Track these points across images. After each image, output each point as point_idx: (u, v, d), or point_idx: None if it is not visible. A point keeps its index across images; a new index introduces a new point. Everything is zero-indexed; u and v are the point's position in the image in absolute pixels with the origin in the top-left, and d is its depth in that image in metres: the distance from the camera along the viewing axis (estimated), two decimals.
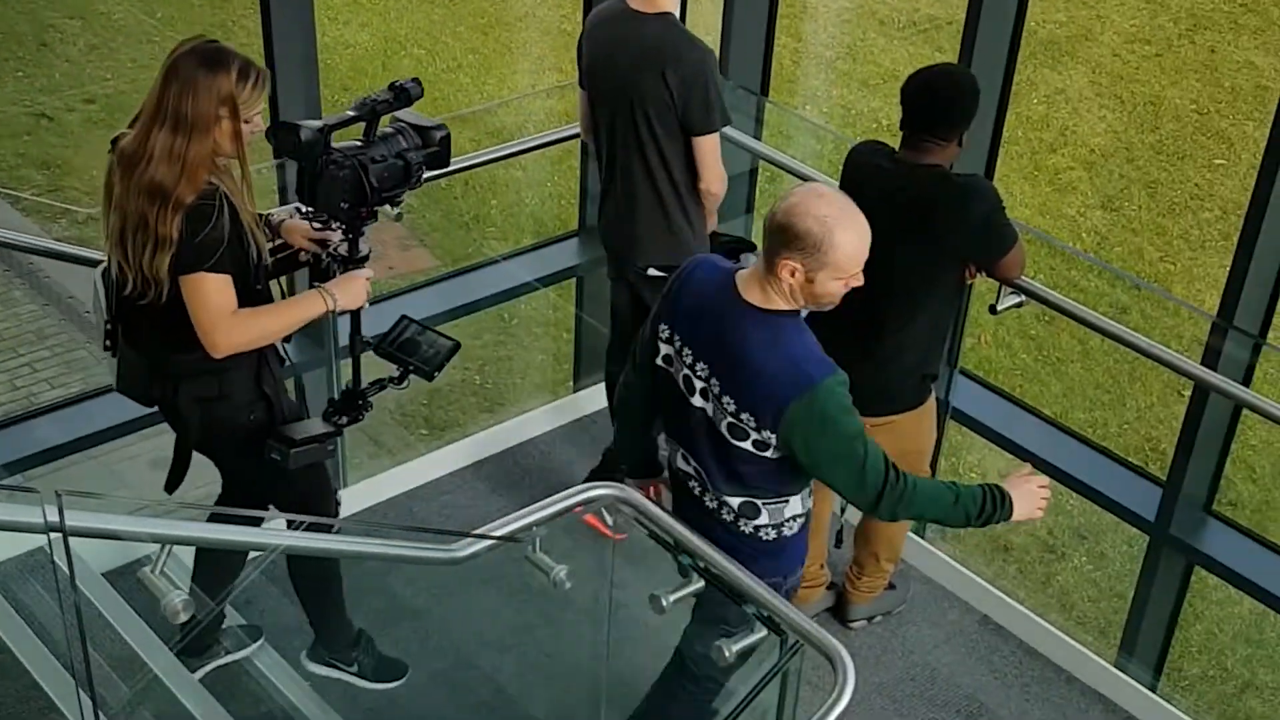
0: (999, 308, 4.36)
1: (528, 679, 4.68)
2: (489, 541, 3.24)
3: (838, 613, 4.82)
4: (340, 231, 3.59)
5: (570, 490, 3.41)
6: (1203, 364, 4.29)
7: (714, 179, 4.55)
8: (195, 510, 4.12)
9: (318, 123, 3.48)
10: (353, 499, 5.11)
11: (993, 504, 3.28)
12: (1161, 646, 4.77)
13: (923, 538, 5.09)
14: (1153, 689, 4.64)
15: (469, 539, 3.27)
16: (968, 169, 4.45)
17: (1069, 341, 7.25)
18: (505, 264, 5.59)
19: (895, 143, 4.14)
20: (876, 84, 9.23)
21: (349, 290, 3.59)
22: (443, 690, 4.61)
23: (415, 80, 3.63)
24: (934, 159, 4.04)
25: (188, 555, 3.95)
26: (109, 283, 3.62)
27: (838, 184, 4.27)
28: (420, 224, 7.36)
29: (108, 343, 3.69)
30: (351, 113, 3.53)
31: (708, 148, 4.51)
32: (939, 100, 4.03)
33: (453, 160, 4.67)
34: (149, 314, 3.51)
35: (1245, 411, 4.53)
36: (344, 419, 3.76)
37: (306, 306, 3.57)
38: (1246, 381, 4.32)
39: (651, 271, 4.68)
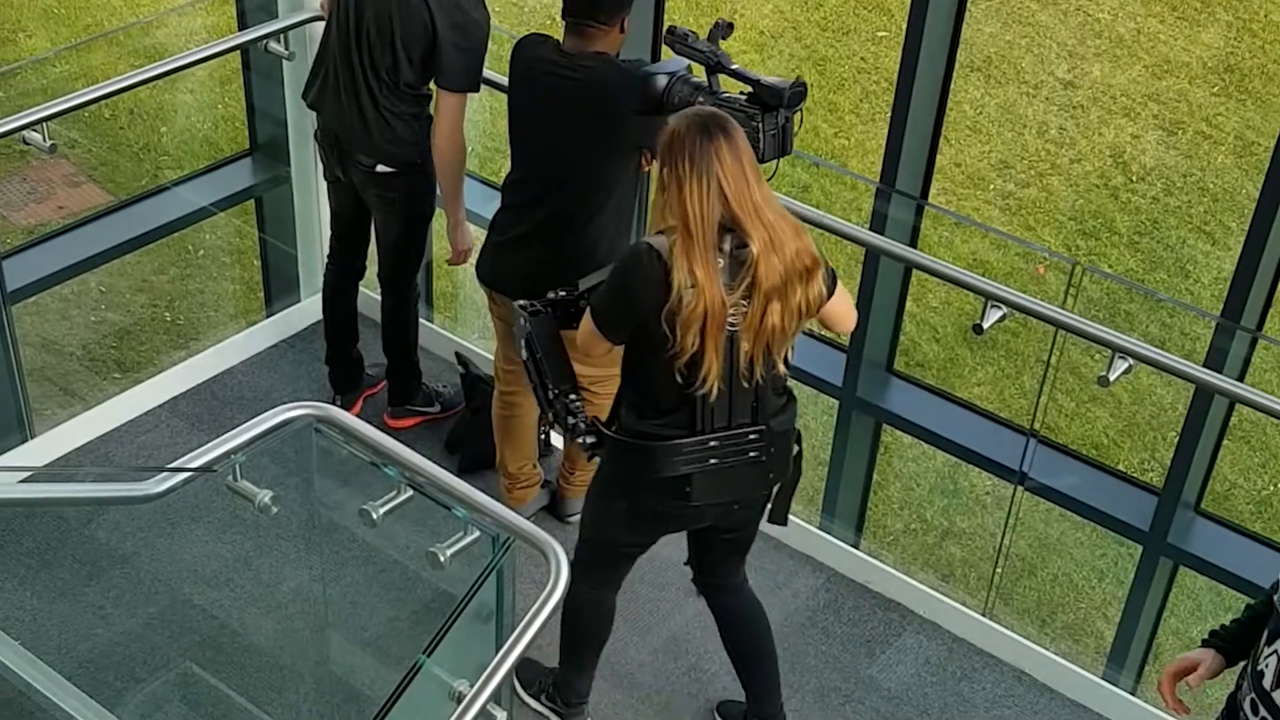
0: None
1: (249, 610, 4.63)
2: (185, 475, 3.16)
3: (555, 510, 4.89)
4: None
5: (265, 414, 3.34)
6: (870, 229, 4.47)
7: (443, 136, 4.46)
8: None
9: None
10: (43, 449, 4.92)
11: None
12: (860, 505, 5.00)
13: None
14: (855, 546, 4.87)
15: (163, 474, 3.18)
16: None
17: None
18: (178, 190, 5.40)
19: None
20: None
21: None
22: (162, 633, 4.52)
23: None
24: (599, 45, 4.07)
25: None
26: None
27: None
28: (87, 159, 7.03)
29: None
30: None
31: (451, 105, 4.42)
32: None
33: (105, 82, 4.48)
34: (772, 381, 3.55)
35: (919, 274, 4.76)
36: None
37: None
38: (913, 242, 4.52)
39: (380, 168, 4.62)
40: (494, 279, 4.44)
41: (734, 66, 3.59)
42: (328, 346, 5.15)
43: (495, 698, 2.99)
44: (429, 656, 3.07)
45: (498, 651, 3.04)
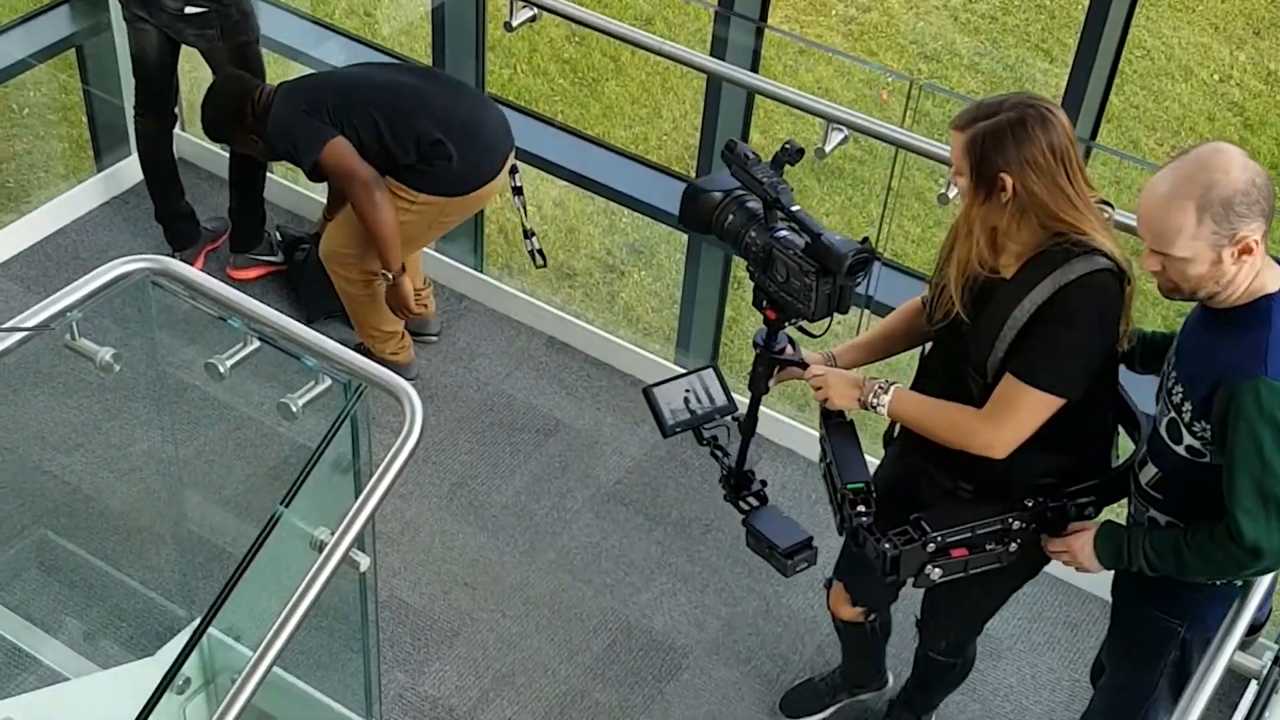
0: (513, 24, 4.37)
1: (102, 475, 4.57)
2: (19, 335, 3.05)
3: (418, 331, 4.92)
4: None
5: (99, 270, 3.23)
6: (711, 55, 4.42)
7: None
8: None
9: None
10: None
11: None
12: (714, 339, 5.04)
13: (480, 271, 5.16)
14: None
15: None
16: None
17: (601, 60, 7.33)
18: None
19: None
20: None
21: None
22: (13, 501, 4.44)
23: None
24: None
25: None
26: None
27: None
28: None
29: None
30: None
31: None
32: None
33: None
34: None
35: (764, 105, 4.74)
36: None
37: None
38: (755, 69, 4.49)
39: (189, 10, 4.46)
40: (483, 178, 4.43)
41: (794, 209, 3.01)
42: (155, 204, 5.00)
43: (359, 544, 2.98)
44: (286, 507, 3.05)
45: (357, 498, 3.03)
